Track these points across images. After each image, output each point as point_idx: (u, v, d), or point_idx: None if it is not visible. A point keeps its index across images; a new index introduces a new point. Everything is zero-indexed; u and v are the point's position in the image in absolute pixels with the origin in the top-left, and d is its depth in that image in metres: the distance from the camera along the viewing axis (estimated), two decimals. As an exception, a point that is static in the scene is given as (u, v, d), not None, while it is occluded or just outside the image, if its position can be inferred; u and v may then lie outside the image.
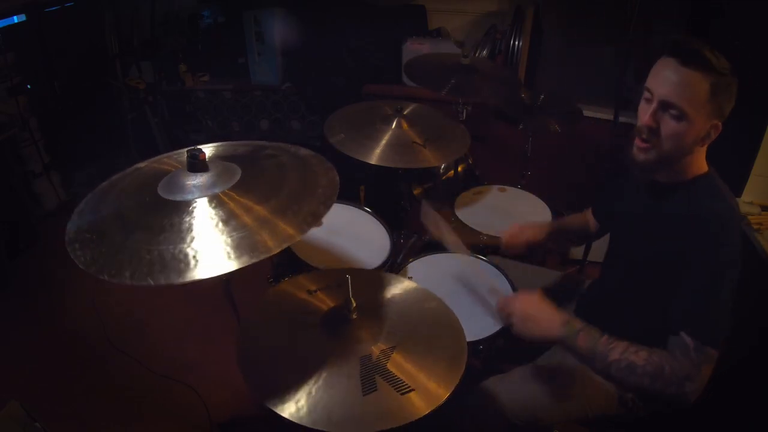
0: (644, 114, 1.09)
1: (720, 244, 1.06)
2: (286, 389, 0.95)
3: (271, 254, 0.93)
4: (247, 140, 1.33)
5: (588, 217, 1.58)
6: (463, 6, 3.25)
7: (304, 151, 1.27)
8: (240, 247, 0.93)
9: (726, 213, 1.09)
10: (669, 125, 1.06)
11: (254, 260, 0.91)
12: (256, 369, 1.03)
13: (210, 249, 0.93)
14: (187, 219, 0.98)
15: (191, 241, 0.94)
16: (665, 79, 1.05)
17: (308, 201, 1.07)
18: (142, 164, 1.22)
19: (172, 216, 0.99)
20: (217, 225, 0.97)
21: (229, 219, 0.98)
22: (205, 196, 1.02)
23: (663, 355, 1.06)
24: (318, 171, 1.19)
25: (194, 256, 0.91)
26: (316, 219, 1.03)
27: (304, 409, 0.91)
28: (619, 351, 1.08)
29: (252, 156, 1.23)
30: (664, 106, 1.06)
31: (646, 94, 1.09)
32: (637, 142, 1.11)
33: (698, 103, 1.03)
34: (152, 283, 0.87)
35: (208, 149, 1.24)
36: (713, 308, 1.06)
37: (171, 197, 1.04)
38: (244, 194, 1.05)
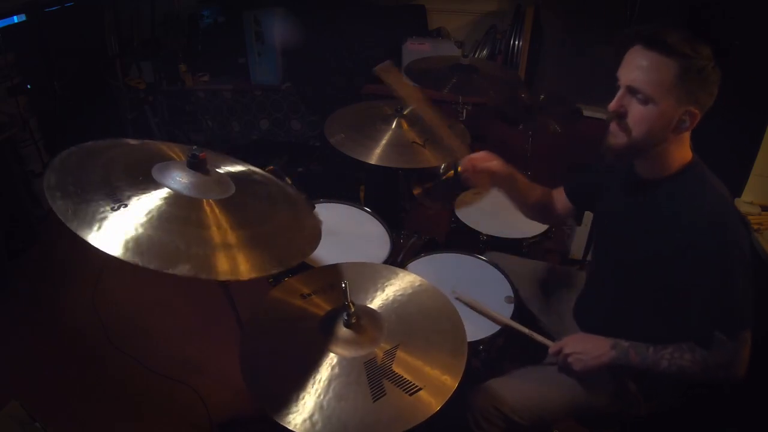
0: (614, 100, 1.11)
1: (721, 236, 1.05)
2: (298, 405, 0.93)
3: (223, 279, 0.94)
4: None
5: (555, 196, 1.53)
6: (463, 6, 3.25)
7: (291, 190, 1.29)
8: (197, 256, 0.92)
9: (719, 202, 1.09)
10: (636, 110, 1.07)
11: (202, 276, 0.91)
12: (265, 386, 1.01)
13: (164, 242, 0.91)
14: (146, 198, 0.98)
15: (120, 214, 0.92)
16: (632, 65, 1.06)
17: (291, 243, 1.08)
18: (133, 141, 1.21)
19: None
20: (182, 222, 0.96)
21: (200, 226, 0.98)
22: (194, 196, 1.02)
23: (703, 353, 1.10)
24: (304, 214, 1.21)
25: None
26: (292, 261, 1.03)
27: (319, 424, 0.90)
28: (666, 359, 1.13)
29: (244, 180, 1.23)
30: (631, 91, 1.07)
31: (617, 83, 1.10)
32: (611, 126, 1.13)
33: (664, 87, 1.03)
34: (140, 263, 0.86)
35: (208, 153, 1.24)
36: (734, 300, 1.06)
37: (158, 179, 1.03)
38: (226, 211, 1.04)
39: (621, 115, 1.09)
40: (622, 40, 1.09)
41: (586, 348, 1.23)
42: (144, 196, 0.98)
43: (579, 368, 1.23)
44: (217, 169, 1.17)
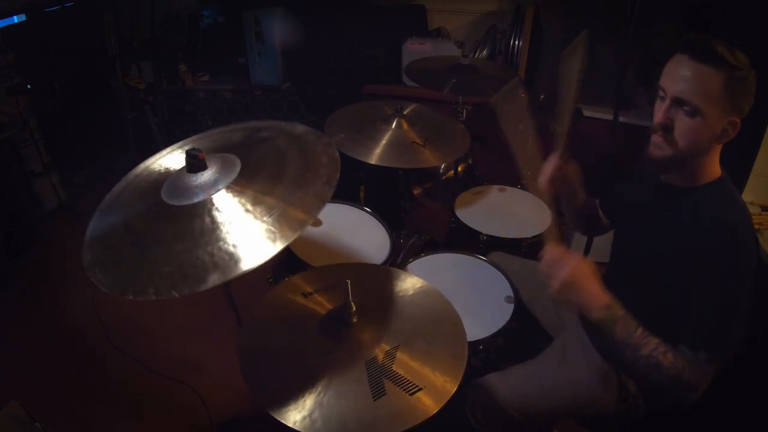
0: (658, 112, 1.08)
1: (735, 255, 1.03)
2: (297, 403, 0.94)
3: (287, 243, 0.93)
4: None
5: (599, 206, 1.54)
6: (463, 6, 3.25)
7: (300, 129, 1.23)
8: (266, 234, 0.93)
9: (740, 221, 1.07)
10: (683, 122, 1.04)
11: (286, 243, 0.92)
12: (264, 383, 1.01)
13: (247, 239, 0.93)
14: (206, 219, 0.97)
15: (225, 237, 0.94)
16: (677, 75, 1.03)
17: (312, 183, 1.04)
18: (138, 170, 1.20)
19: (187, 221, 0.98)
20: (242, 214, 0.97)
21: (239, 213, 0.97)
22: (210, 195, 1.00)
23: (685, 363, 1.06)
24: (317, 149, 1.15)
25: (233, 251, 0.92)
26: (322, 200, 1.01)
27: (319, 422, 0.91)
28: (650, 348, 1.06)
29: (247, 142, 1.20)
30: (677, 102, 1.04)
31: (660, 93, 1.08)
32: (654, 138, 1.09)
33: (711, 98, 1.00)
34: (177, 295, 0.87)
35: (201, 141, 1.23)
36: (728, 322, 1.04)
37: (179, 202, 1.02)
38: (248, 186, 1.03)
39: (667, 128, 1.06)
40: (664, 49, 1.06)
41: (583, 287, 1.09)
42: (206, 217, 0.98)
43: (559, 293, 1.10)
44: (211, 155, 1.14)
